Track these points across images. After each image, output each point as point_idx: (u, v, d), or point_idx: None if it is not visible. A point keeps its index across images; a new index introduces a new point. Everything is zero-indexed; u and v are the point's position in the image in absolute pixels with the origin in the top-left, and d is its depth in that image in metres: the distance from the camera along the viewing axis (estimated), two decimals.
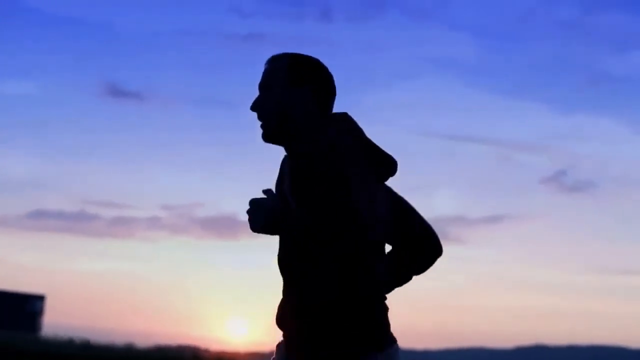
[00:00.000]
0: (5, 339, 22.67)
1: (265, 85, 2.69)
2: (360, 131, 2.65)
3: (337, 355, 2.51)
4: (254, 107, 2.69)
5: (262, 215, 2.48)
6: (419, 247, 2.74)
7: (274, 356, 2.71)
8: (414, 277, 2.81)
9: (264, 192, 2.55)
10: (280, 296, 2.69)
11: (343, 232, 2.44)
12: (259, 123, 2.69)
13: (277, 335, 2.73)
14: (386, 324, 2.60)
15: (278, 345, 2.72)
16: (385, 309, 2.62)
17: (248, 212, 2.52)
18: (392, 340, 2.60)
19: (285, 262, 2.63)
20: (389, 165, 2.64)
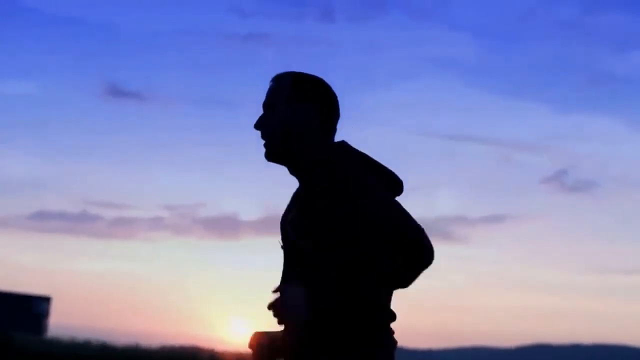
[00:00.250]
0: (11, 340, 22.76)
1: (269, 103, 2.66)
2: (364, 154, 2.64)
3: None
4: (257, 126, 2.67)
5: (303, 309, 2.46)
6: (408, 253, 2.50)
7: None
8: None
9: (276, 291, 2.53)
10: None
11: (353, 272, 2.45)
12: (262, 142, 2.67)
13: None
14: (385, 332, 2.55)
15: None
16: (389, 315, 2.57)
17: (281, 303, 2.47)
18: (391, 346, 2.56)
19: (289, 272, 2.62)
20: (399, 186, 2.64)
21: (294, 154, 2.63)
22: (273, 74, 2.72)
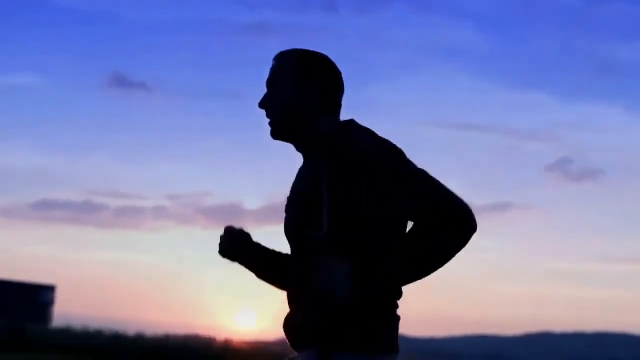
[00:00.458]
0: (16, 330, 22.83)
1: (272, 81, 2.64)
2: (373, 132, 2.59)
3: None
4: (261, 104, 2.64)
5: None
6: (446, 222, 2.45)
7: None
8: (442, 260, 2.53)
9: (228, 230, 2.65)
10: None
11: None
12: (267, 120, 2.64)
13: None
14: (387, 332, 2.48)
15: None
16: (392, 315, 2.51)
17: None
18: (392, 349, 2.49)
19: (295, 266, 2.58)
20: None
21: (298, 131, 2.61)
22: None
